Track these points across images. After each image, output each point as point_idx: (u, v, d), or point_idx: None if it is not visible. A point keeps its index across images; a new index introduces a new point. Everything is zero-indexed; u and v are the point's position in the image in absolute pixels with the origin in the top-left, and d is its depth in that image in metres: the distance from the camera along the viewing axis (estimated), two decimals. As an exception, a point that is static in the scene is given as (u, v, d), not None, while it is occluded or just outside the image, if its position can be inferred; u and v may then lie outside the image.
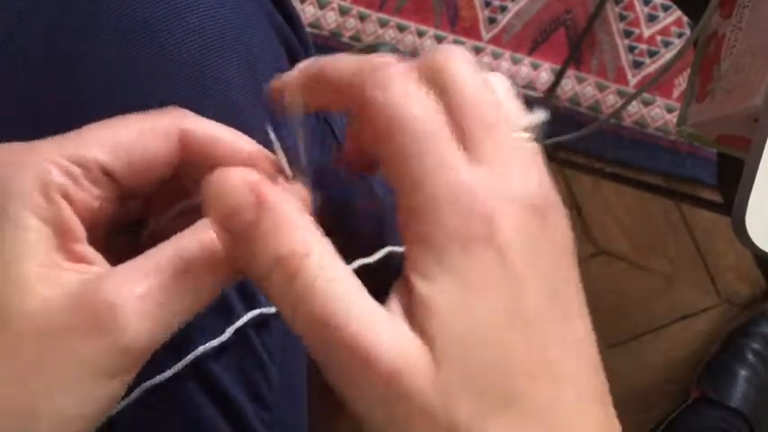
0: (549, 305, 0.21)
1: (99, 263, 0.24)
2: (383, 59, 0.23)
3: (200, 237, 0.23)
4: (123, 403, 0.32)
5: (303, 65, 0.25)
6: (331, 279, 0.20)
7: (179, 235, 0.24)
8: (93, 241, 0.24)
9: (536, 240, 0.21)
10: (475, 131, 0.22)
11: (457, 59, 0.23)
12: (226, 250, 0.22)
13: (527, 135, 0.24)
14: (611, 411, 0.22)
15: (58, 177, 0.23)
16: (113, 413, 0.32)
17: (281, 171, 0.26)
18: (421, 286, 0.21)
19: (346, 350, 0.20)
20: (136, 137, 0.24)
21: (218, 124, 0.26)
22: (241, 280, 0.37)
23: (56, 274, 0.22)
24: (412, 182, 0.21)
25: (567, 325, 0.22)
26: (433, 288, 0.20)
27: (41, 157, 0.23)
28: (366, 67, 0.23)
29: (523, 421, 0.20)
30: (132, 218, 0.28)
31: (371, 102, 0.22)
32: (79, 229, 0.23)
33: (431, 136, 0.21)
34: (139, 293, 0.22)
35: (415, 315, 0.20)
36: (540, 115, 0.25)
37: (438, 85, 0.22)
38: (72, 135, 0.24)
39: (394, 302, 0.21)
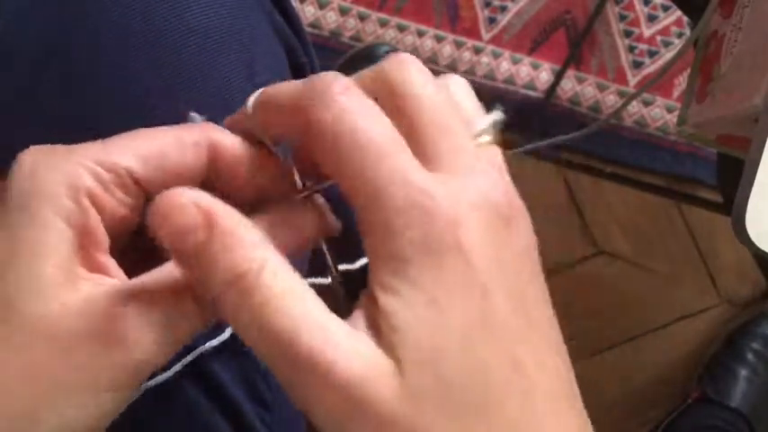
0: (515, 313, 0.21)
1: (117, 275, 0.24)
2: (325, 77, 0.22)
3: None
4: (123, 403, 0.32)
5: (251, 97, 0.24)
6: (285, 295, 0.20)
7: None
8: (115, 249, 0.24)
9: (500, 247, 0.21)
10: (431, 138, 0.21)
11: (405, 67, 0.22)
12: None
13: (487, 138, 0.23)
14: (584, 416, 0.22)
15: (88, 181, 0.22)
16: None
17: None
18: (385, 301, 0.20)
19: (303, 364, 0.19)
20: (169, 147, 0.24)
21: (243, 142, 0.25)
22: None
23: (73, 279, 0.22)
24: (367, 196, 0.20)
25: (534, 331, 0.21)
26: (398, 302, 0.20)
27: (74, 160, 0.23)
28: (308, 88, 0.22)
29: None
30: None
31: (317, 123, 0.21)
32: (103, 237, 0.23)
33: (382, 147, 0.20)
34: (151, 313, 0.22)
35: (380, 330, 0.20)
36: (497, 115, 0.24)
37: (386, 94, 0.22)
38: (107, 141, 0.24)
39: (358, 317, 0.21)
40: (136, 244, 0.26)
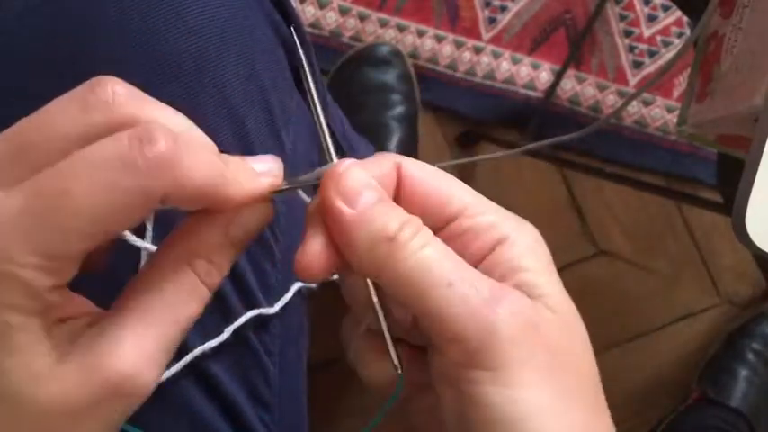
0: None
1: (78, 303, 0.24)
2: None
3: (180, 278, 0.24)
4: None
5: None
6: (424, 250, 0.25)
7: (158, 280, 0.24)
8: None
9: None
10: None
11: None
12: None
13: None
14: None
15: (42, 281, 0.21)
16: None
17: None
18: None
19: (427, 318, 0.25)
20: (114, 211, 0.21)
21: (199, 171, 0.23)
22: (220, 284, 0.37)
23: (57, 353, 0.22)
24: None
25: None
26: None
27: (19, 265, 0.21)
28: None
29: None
30: None
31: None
32: (68, 301, 0.24)
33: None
34: (144, 353, 0.23)
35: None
36: None
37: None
38: (45, 223, 0.21)
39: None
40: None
